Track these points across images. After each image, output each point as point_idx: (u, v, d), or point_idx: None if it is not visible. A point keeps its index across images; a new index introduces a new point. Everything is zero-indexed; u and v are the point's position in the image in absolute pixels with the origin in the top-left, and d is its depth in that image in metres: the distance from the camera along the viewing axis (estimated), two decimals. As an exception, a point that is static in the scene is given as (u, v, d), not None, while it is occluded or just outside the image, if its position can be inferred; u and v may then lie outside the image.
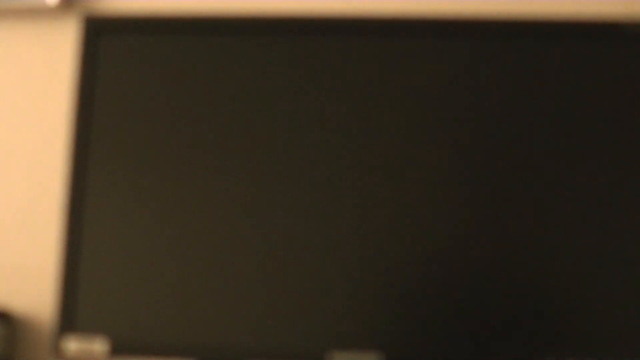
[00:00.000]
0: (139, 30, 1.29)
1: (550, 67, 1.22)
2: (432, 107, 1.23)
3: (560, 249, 1.19)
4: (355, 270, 1.21)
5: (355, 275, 1.21)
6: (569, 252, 1.19)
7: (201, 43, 1.27)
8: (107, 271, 1.24)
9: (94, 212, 1.25)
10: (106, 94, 1.28)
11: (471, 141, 1.22)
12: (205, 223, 1.24)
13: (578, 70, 1.22)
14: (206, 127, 1.26)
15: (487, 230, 1.20)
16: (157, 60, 1.28)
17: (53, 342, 1.30)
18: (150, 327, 1.22)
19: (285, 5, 1.42)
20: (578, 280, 1.18)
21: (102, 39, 1.29)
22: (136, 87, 1.27)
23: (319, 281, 1.21)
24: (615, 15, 1.36)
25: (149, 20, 1.29)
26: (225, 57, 1.27)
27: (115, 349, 1.23)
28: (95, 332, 1.23)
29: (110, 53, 1.28)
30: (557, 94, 1.22)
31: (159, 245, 1.24)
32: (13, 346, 1.39)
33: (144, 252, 1.24)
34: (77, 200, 1.26)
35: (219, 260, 1.23)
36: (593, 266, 1.19)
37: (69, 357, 1.26)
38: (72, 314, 1.24)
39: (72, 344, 1.24)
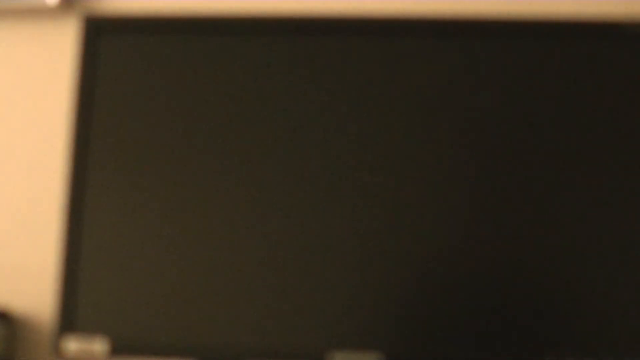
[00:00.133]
0: (139, 30, 1.29)
1: (550, 67, 1.22)
2: (432, 107, 1.23)
3: (560, 249, 1.19)
4: (355, 270, 1.21)
5: (355, 275, 1.21)
6: (569, 252, 1.19)
7: (201, 43, 1.27)
8: (107, 271, 1.24)
9: (94, 212, 1.25)
10: (106, 94, 1.28)
11: (471, 141, 1.22)
12: (205, 223, 1.24)
13: (578, 70, 1.22)
14: (206, 127, 1.26)
15: (486, 230, 1.20)
16: (157, 60, 1.28)
17: (53, 342, 1.30)
18: (150, 327, 1.22)
19: (285, 5, 1.42)
20: (578, 280, 1.18)
21: (102, 39, 1.29)
22: (136, 87, 1.27)
23: (319, 281, 1.21)
24: (615, 15, 1.36)
25: (149, 20, 1.29)
26: (225, 57, 1.27)
27: (115, 349, 1.23)
28: (95, 332, 1.23)
29: (110, 53, 1.28)
30: (557, 94, 1.22)
31: (159, 245, 1.24)
32: (13, 346, 1.39)
33: (144, 252, 1.24)
34: (77, 200, 1.26)
35: (219, 260, 1.23)
36: (593, 266, 1.19)
37: (69, 357, 1.26)
38: (72, 314, 1.24)
39: (72, 344, 1.24)
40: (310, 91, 1.25)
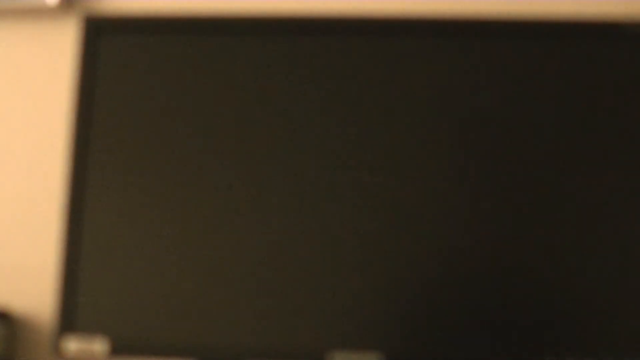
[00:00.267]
0: (139, 30, 1.29)
1: (550, 67, 1.22)
2: (432, 107, 1.23)
3: (560, 249, 1.19)
4: (356, 270, 1.21)
5: (356, 276, 1.21)
6: (569, 252, 1.19)
7: (201, 43, 1.27)
8: (107, 271, 1.24)
9: (94, 212, 1.25)
10: (106, 94, 1.28)
11: (472, 141, 1.22)
12: (205, 223, 1.24)
13: (578, 70, 1.22)
14: (206, 127, 1.26)
15: (486, 230, 1.20)
16: (157, 60, 1.28)
17: (53, 342, 1.30)
18: (150, 327, 1.22)
19: (285, 5, 1.42)
20: (578, 280, 1.18)
21: (102, 39, 1.29)
22: (136, 87, 1.27)
23: (318, 281, 1.21)
24: (615, 15, 1.36)
25: (149, 20, 1.29)
26: (225, 57, 1.27)
27: (115, 349, 1.23)
28: (95, 332, 1.23)
29: (110, 53, 1.28)
30: (557, 94, 1.22)
31: (159, 245, 1.24)
32: (13, 346, 1.39)
33: (144, 252, 1.24)
34: (77, 200, 1.26)
35: (219, 260, 1.23)
36: (593, 266, 1.19)
37: (69, 357, 1.26)
38: (72, 314, 1.24)
39: (72, 344, 1.24)
40: (310, 91, 1.25)
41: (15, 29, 1.48)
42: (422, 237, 1.21)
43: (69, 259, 1.25)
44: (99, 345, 1.23)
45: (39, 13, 1.48)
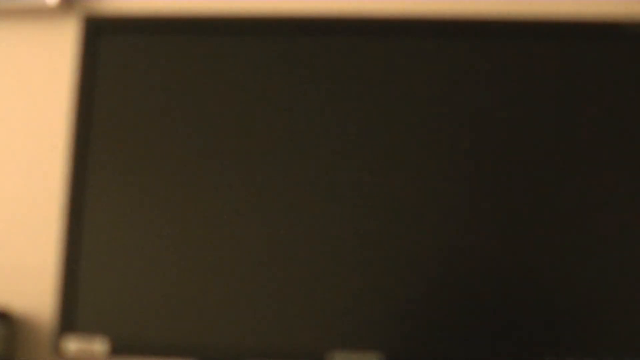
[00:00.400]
0: (139, 30, 1.29)
1: (550, 67, 1.22)
2: (432, 107, 1.23)
3: (560, 249, 1.19)
4: (356, 270, 1.21)
5: (356, 276, 1.21)
6: (569, 252, 1.19)
7: (201, 43, 1.27)
8: (107, 271, 1.24)
9: (94, 212, 1.25)
10: (106, 94, 1.28)
11: (472, 141, 1.22)
12: (205, 223, 1.24)
13: (578, 70, 1.22)
14: (206, 127, 1.26)
15: (486, 230, 1.20)
16: (157, 60, 1.28)
17: (53, 342, 1.30)
18: (150, 327, 1.22)
19: (285, 5, 1.42)
20: (578, 280, 1.18)
21: (102, 39, 1.29)
22: (136, 87, 1.27)
23: (319, 281, 1.21)
24: (615, 15, 1.36)
25: (149, 20, 1.29)
26: (225, 57, 1.27)
27: (115, 349, 1.23)
28: (95, 332, 1.23)
29: (110, 53, 1.28)
30: (557, 94, 1.22)
31: (159, 245, 1.24)
32: (13, 346, 1.39)
33: (144, 252, 1.24)
34: (77, 200, 1.26)
35: (219, 260, 1.23)
36: (593, 266, 1.19)
37: (69, 357, 1.25)
38: (72, 314, 1.24)
39: (72, 344, 1.24)
40: (310, 91, 1.25)
41: (15, 29, 1.48)
42: (422, 237, 1.21)
43: (69, 259, 1.25)
44: (99, 345, 1.23)
45: (39, 13, 1.48)
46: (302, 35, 1.26)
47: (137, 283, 1.23)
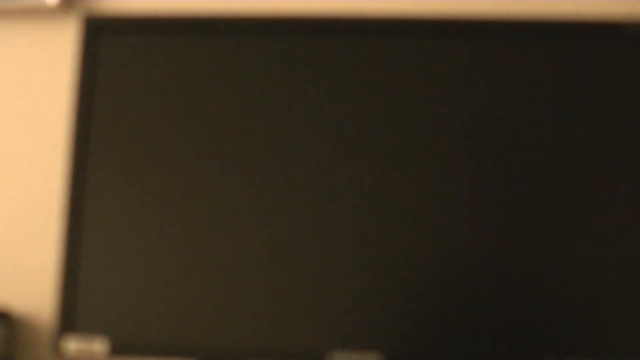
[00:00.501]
0: (139, 30, 1.29)
1: (550, 67, 1.22)
2: (432, 107, 1.23)
3: (560, 249, 1.19)
4: (356, 270, 1.21)
5: (356, 276, 1.21)
6: (569, 252, 1.19)
7: (201, 43, 1.27)
8: (107, 271, 1.24)
9: (94, 212, 1.25)
10: (106, 94, 1.28)
11: (472, 141, 1.22)
12: (205, 223, 1.24)
13: (578, 70, 1.22)
14: (206, 127, 1.26)
15: (486, 230, 1.20)
16: (157, 60, 1.28)
17: (53, 342, 1.30)
18: (150, 327, 1.22)
19: (285, 5, 1.42)
20: (578, 280, 1.18)
21: (102, 39, 1.29)
22: (136, 87, 1.27)
23: (319, 281, 1.21)
24: (615, 15, 1.36)
25: (149, 20, 1.29)
26: (225, 57, 1.27)
27: (115, 349, 1.23)
28: (95, 332, 1.23)
29: (110, 53, 1.28)
30: (557, 94, 1.22)
31: (159, 245, 1.24)
32: (13, 346, 1.39)
33: (144, 252, 1.24)
34: (77, 200, 1.26)
35: (218, 260, 1.23)
36: (593, 266, 1.19)
37: (69, 357, 1.25)
38: (72, 314, 1.24)
39: (72, 344, 1.24)
40: (310, 91, 1.25)
41: (15, 29, 1.48)
42: (422, 237, 1.21)
43: (69, 259, 1.25)
44: (99, 345, 1.23)
45: (39, 13, 1.48)
46: (302, 35, 1.26)
47: (137, 283, 1.23)
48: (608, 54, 1.22)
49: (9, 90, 1.47)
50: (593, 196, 1.20)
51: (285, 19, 1.27)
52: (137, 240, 1.24)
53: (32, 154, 1.45)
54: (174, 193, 1.25)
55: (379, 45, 1.25)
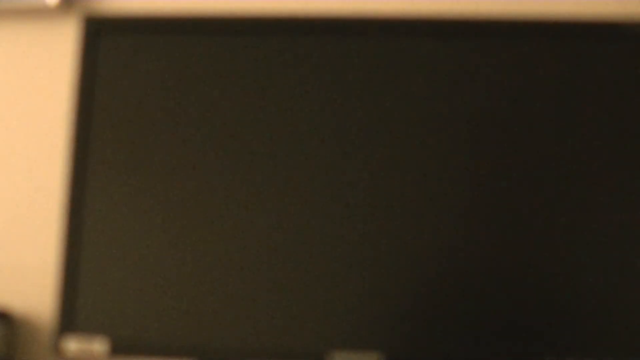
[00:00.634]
0: (139, 30, 1.29)
1: (550, 67, 1.22)
2: (432, 107, 1.23)
3: (561, 249, 1.19)
4: (356, 270, 1.21)
5: (356, 275, 1.21)
6: (569, 252, 1.19)
7: (201, 43, 1.27)
8: (107, 271, 1.24)
9: (94, 212, 1.25)
10: (106, 94, 1.28)
11: (472, 141, 1.22)
12: (205, 223, 1.24)
13: (578, 70, 1.22)
14: (206, 126, 1.26)
15: (487, 230, 1.20)
16: (157, 60, 1.28)
17: (53, 342, 1.30)
18: (150, 327, 1.22)
19: (285, 5, 1.42)
20: (578, 281, 1.18)
21: (102, 39, 1.29)
22: (136, 87, 1.27)
23: (319, 281, 1.21)
24: (615, 15, 1.36)
25: (149, 20, 1.29)
26: (225, 57, 1.27)
27: (115, 349, 1.23)
28: (95, 332, 1.23)
29: (110, 53, 1.28)
30: (558, 94, 1.22)
31: (159, 245, 1.24)
32: (13, 346, 1.39)
33: (144, 252, 1.24)
34: (77, 200, 1.26)
35: (218, 260, 1.23)
36: (593, 266, 1.19)
37: (69, 357, 1.25)
38: (72, 314, 1.24)
39: (72, 344, 1.24)
40: (311, 91, 1.25)
41: (15, 29, 1.48)
42: (423, 237, 1.21)
43: (69, 259, 1.25)
44: (99, 345, 1.23)
45: (39, 13, 1.48)
46: (302, 35, 1.26)
47: (137, 283, 1.23)
48: (608, 54, 1.22)
49: (8, 90, 1.47)
50: (593, 196, 1.20)
51: (285, 19, 1.27)
52: (137, 240, 1.24)
53: (32, 154, 1.45)
54: (174, 193, 1.25)
55: (379, 45, 1.25)
